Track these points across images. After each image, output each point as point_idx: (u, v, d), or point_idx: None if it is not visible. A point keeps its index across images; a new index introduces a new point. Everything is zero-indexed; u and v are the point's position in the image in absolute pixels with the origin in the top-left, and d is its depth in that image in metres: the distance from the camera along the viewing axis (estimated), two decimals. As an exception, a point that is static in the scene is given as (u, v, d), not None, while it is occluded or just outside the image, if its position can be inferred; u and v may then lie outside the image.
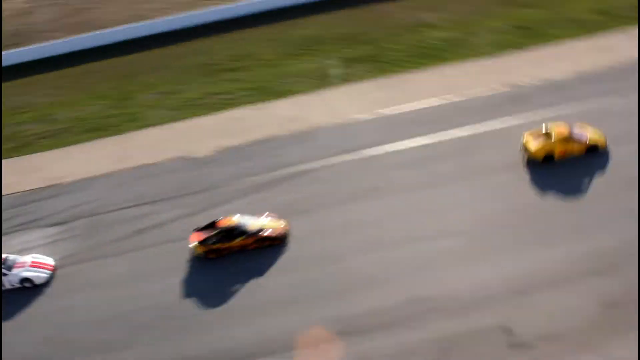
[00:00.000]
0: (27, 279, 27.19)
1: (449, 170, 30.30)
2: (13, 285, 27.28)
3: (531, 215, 26.73)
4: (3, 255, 27.91)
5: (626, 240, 24.48)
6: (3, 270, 27.16)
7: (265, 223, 27.35)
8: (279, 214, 28.51)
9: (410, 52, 42.87)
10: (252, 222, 27.11)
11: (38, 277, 27.36)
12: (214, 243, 26.52)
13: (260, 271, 26.00)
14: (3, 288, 27.18)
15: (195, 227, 27.71)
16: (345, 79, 40.49)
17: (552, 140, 28.72)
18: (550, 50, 40.44)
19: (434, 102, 36.24)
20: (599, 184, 27.68)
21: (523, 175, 29.15)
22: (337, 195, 29.77)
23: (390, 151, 32.60)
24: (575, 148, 28.84)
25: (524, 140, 29.80)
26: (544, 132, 29.44)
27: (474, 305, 22.84)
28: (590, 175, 27.98)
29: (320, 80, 40.79)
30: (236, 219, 27.16)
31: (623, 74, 35.63)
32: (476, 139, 32.48)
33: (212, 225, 27.33)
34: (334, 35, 47.30)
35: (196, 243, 26.73)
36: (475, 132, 32.98)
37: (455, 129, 33.34)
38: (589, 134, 29.34)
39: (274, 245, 26.89)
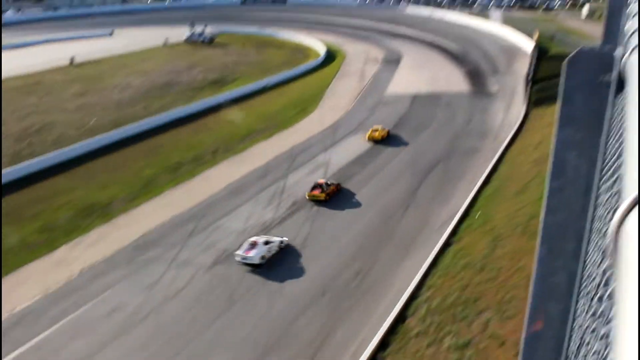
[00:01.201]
0: (282, 242, 33.14)
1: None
2: (273, 252, 32.15)
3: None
4: (253, 240, 32.54)
5: None
6: (268, 247, 31.95)
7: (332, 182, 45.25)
8: None
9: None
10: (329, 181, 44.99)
11: (284, 240, 33.68)
12: (326, 190, 42.74)
13: None
14: (268, 258, 31.68)
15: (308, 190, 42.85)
16: None
17: (380, 132, 56.82)
18: (17, 276, 39.13)
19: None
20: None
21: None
22: None
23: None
24: (386, 134, 57.42)
25: (368, 135, 56.28)
26: (374, 130, 57.31)
27: None
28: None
29: None
30: (324, 179, 45.10)
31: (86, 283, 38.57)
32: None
33: (316, 186, 43.14)
34: None
35: (319, 193, 42.42)
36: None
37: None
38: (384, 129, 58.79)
39: (340, 189, 44.42)
